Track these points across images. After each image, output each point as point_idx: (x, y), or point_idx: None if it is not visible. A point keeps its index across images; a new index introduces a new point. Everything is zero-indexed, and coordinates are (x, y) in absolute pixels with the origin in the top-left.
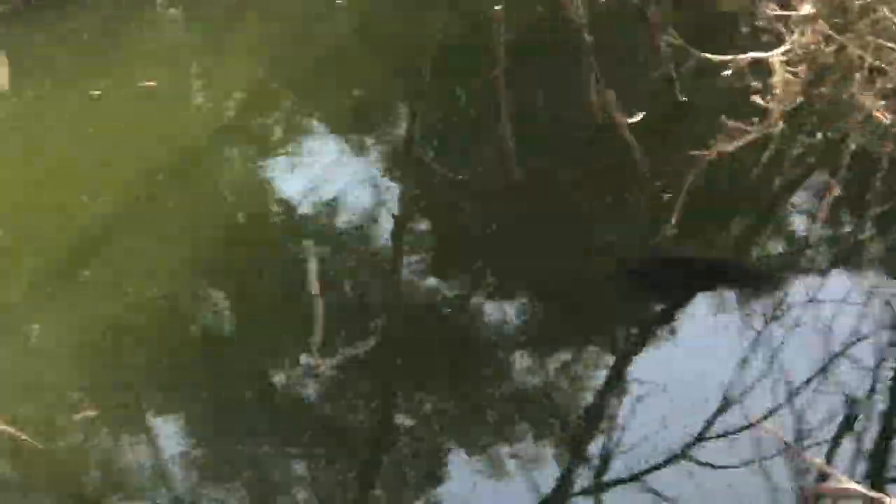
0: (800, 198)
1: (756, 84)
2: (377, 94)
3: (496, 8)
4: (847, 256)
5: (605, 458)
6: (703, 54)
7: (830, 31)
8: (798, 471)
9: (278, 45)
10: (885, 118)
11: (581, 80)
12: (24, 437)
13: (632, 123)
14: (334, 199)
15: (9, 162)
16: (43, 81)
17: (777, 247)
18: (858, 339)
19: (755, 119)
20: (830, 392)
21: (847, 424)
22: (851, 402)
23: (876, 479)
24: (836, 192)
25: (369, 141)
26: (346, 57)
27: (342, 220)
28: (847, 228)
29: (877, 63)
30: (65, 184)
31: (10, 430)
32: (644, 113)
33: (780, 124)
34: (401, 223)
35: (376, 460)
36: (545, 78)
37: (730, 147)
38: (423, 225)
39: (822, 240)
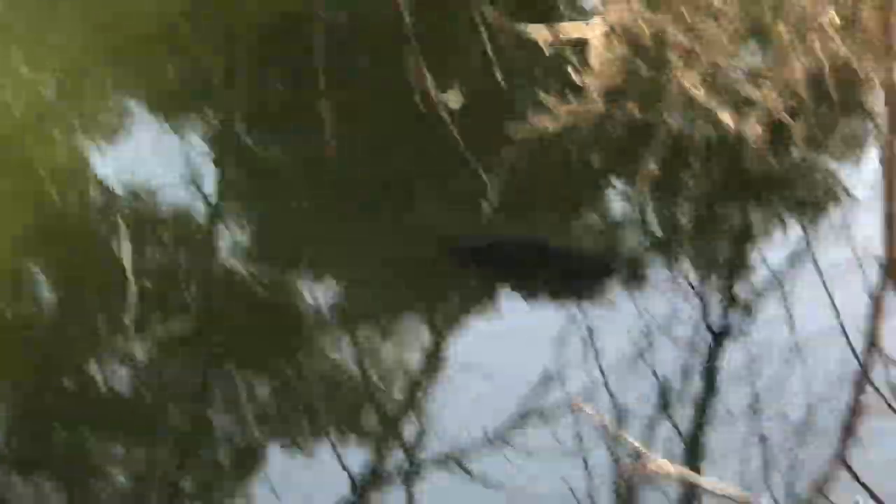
0: (620, 178)
1: (575, 62)
2: (198, 73)
3: None
4: (664, 239)
5: (422, 440)
6: (523, 27)
7: (643, 11)
8: (615, 451)
9: (100, 20)
10: (701, 98)
11: (403, 62)
12: None
13: (451, 104)
14: (152, 179)
15: None
16: None
17: (597, 228)
18: (674, 322)
19: (574, 97)
20: (647, 375)
21: (663, 406)
22: (666, 385)
23: (690, 459)
24: (655, 173)
25: (188, 120)
26: (169, 35)
27: (159, 200)
28: (665, 210)
29: (693, 44)
30: None
31: None
32: (463, 92)
33: (600, 103)
34: (218, 203)
35: (193, 440)
36: (367, 59)
37: (549, 125)
38: (242, 204)
39: (641, 222)
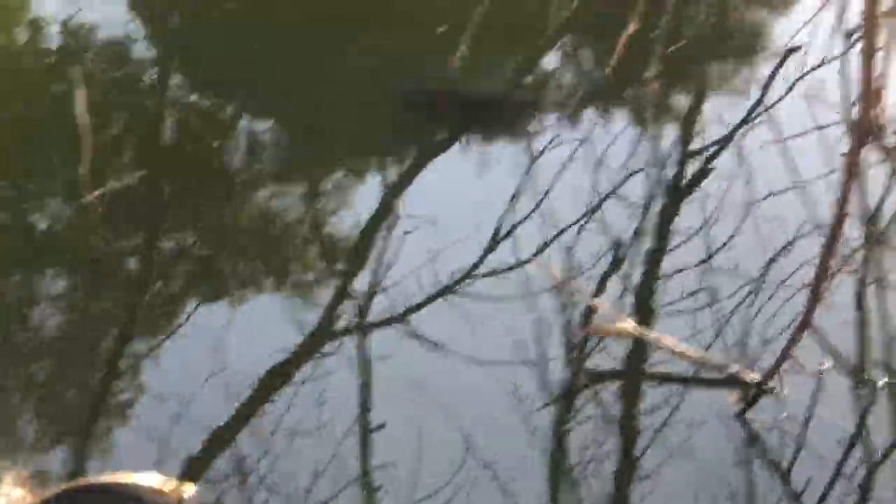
0: (585, 35)
1: None
2: None
3: None
4: (625, 96)
5: (372, 294)
6: None
7: None
8: (568, 307)
9: None
10: None
11: None
12: None
13: None
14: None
15: None
16: None
17: (555, 83)
18: (626, 178)
19: None
20: (598, 229)
21: (614, 260)
22: (619, 242)
23: (641, 314)
24: (633, 28)
25: None
26: None
27: (106, 50)
28: (628, 68)
29: None
30: None
31: None
32: None
33: None
34: (168, 48)
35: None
36: None
37: None
38: (194, 50)
39: (600, 78)
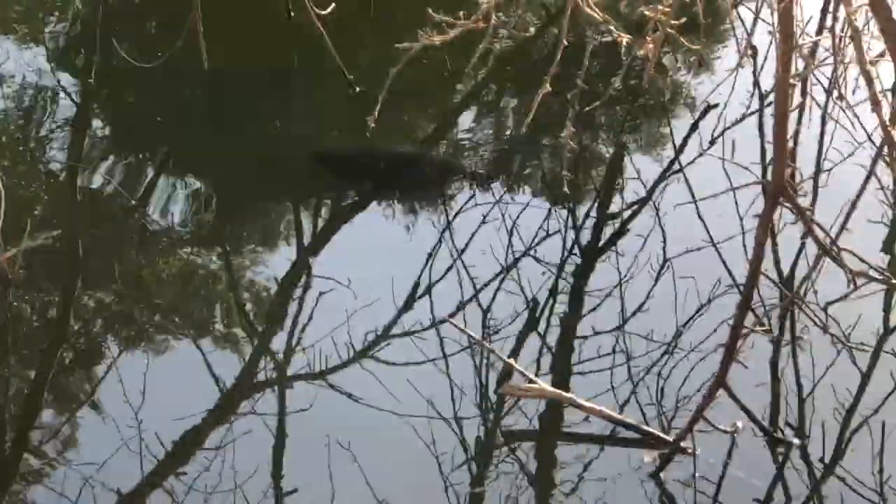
0: (503, 96)
1: None
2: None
3: None
4: (539, 159)
5: (288, 354)
6: None
7: None
8: (484, 367)
9: None
10: (593, 12)
11: None
12: None
13: (325, 14)
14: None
15: None
16: None
17: (475, 143)
18: (542, 239)
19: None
20: (515, 291)
21: (530, 320)
22: (535, 302)
23: (558, 376)
24: (545, 88)
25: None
26: None
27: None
28: (543, 131)
29: None
30: None
31: None
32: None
33: (492, 20)
34: (86, 105)
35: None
36: None
37: (435, 40)
38: (120, 108)
39: (518, 140)
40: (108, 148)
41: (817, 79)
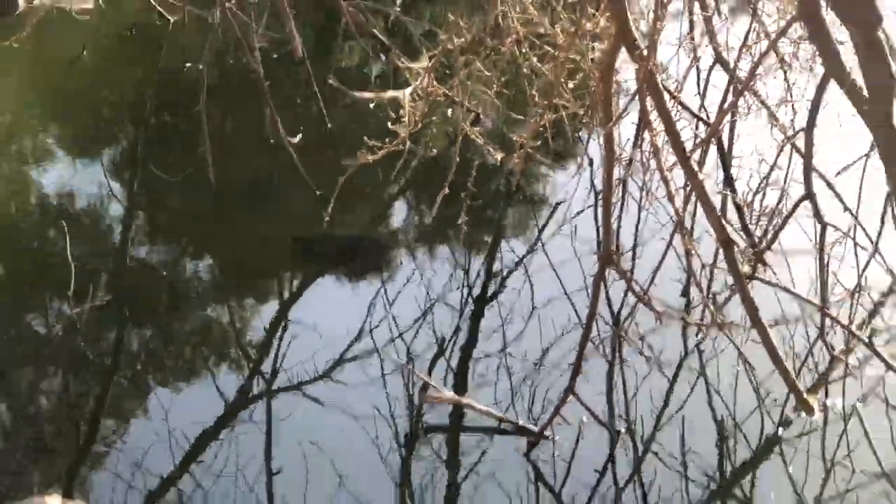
0: (419, 194)
1: (392, 114)
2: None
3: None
4: (443, 238)
5: (275, 372)
6: (356, 94)
7: (436, 84)
8: (410, 383)
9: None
10: (477, 138)
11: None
12: None
13: (295, 142)
14: (72, 191)
15: None
16: None
17: (401, 228)
18: (448, 292)
19: (388, 139)
20: (429, 328)
21: (440, 349)
22: (443, 337)
23: (460, 387)
24: (445, 191)
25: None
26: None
27: (79, 206)
28: (448, 219)
29: (472, 102)
30: None
31: None
32: (300, 135)
33: (407, 143)
34: (130, 210)
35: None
36: (237, 109)
37: (370, 158)
38: (155, 207)
39: (427, 224)
40: (149, 234)
41: (633, 180)
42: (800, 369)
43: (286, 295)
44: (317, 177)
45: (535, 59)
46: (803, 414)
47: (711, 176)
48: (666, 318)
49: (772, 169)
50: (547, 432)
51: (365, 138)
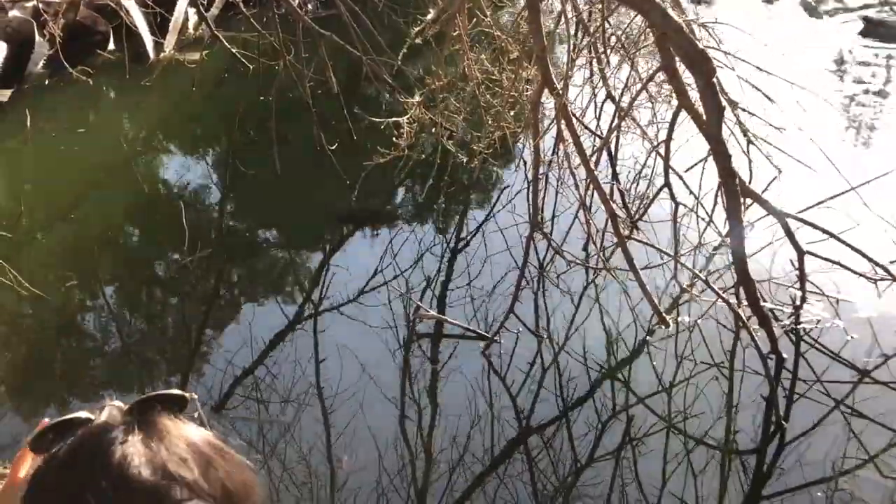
0: (414, 183)
1: (395, 132)
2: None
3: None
4: (429, 211)
5: (321, 298)
6: (372, 118)
7: (424, 111)
8: (407, 310)
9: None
10: (451, 148)
11: (310, 127)
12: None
13: (332, 149)
14: (186, 180)
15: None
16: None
17: (402, 204)
18: (433, 245)
19: (393, 147)
20: (420, 269)
21: (428, 283)
22: (429, 275)
23: (441, 309)
24: (430, 181)
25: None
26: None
27: (191, 188)
28: (433, 199)
29: (448, 123)
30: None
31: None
32: (336, 144)
33: (405, 151)
34: (223, 192)
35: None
36: (294, 125)
37: (381, 160)
38: (235, 193)
39: (419, 202)
40: (236, 208)
41: (552, 174)
42: (661, 297)
43: (327, 248)
44: (347, 171)
45: (488, 96)
46: (662, 326)
47: (603, 172)
48: (573, 264)
49: (643, 167)
50: (496, 338)
51: (378, 147)
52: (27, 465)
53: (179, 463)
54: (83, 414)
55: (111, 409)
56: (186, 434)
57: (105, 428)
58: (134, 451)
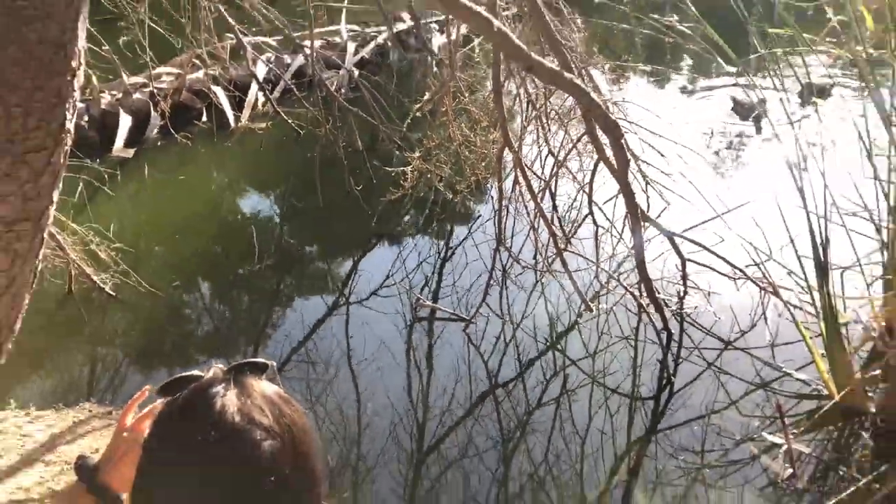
0: (416, 211)
1: (403, 176)
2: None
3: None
4: (426, 231)
5: (350, 291)
6: (386, 168)
7: (422, 162)
8: (411, 301)
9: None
10: (440, 187)
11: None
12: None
13: (358, 189)
14: (258, 210)
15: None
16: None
17: (407, 226)
18: (429, 256)
19: (400, 188)
20: (420, 272)
21: (425, 281)
22: (426, 276)
23: (433, 299)
24: (427, 210)
25: (273, 192)
26: (264, 164)
27: (260, 217)
28: (428, 222)
29: (439, 170)
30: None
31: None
32: (361, 186)
33: (409, 190)
34: (281, 218)
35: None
36: (332, 171)
37: (394, 197)
38: (289, 218)
39: (419, 224)
40: (290, 229)
41: (511, 205)
42: (587, 291)
43: (354, 258)
44: (369, 204)
45: (467, 152)
46: (588, 311)
47: (546, 204)
48: (526, 268)
49: (573, 201)
50: (473, 320)
51: (390, 188)
52: (132, 413)
53: (260, 411)
54: (196, 371)
55: (215, 369)
56: (264, 390)
57: (211, 383)
58: (229, 401)
